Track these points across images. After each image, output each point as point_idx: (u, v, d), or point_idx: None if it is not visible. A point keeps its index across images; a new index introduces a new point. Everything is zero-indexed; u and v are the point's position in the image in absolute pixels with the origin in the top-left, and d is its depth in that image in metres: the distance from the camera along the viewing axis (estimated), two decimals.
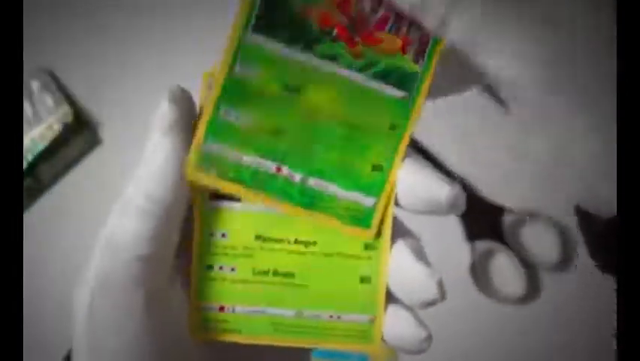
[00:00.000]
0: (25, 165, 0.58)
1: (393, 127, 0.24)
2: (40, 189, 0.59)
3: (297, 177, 0.24)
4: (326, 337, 0.25)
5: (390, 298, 0.25)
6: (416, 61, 0.24)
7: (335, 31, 0.23)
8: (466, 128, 0.58)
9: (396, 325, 0.24)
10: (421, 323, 0.24)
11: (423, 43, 0.24)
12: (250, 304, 0.25)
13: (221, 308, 0.25)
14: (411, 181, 0.24)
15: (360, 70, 0.23)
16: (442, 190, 0.23)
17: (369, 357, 0.53)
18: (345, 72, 0.23)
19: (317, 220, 0.24)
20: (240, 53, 0.23)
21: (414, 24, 0.24)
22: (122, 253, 0.23)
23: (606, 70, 0.25)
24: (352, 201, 0.24)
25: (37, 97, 0.58)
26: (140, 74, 0.60)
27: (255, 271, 0.25)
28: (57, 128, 0.58)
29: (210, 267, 0.25)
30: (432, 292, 0.23)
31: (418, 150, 0.58)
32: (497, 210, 0.57)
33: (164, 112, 0.23)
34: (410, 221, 0.26)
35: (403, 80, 0.24)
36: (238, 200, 0.25)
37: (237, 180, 0.24)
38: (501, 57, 0.24)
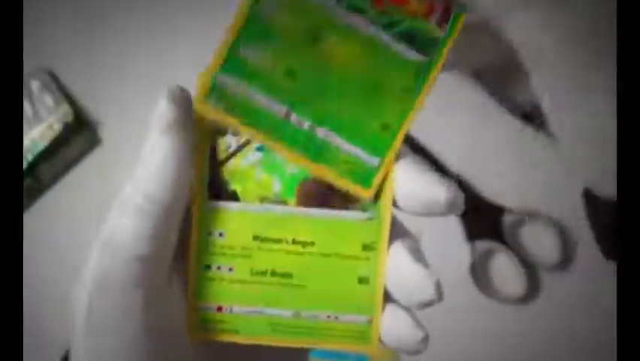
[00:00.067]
0: (25, 165, 0.58)
1: (408, 90, 0.24)
2: (40, 189, 0.59)
3: (306, 124, 0.24)
4: (324, 337, 0.25)
5: (387, 298, 0.25)
6: (439, 26, 0.24)
7: None
8: (466, 128, 0.58)
9: (394, 325, 0.24)
10: (418, 323, 0.24)
11: (447, 11, 0.24)
12: (248, 305, 0.25)
13: (219, 308, 0.25)
14: (409, 183, 0.24)
15: (384, 27, 0.23)
16: (440, 192, 0.23)
17: (368, 357, 0.53)
18: (368, 27, 0.23)
19: (319, 173, 0.24)
20: None
21: None
22: (120, 253, 0.23)
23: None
24: (356, 158, 0.24)
25: (37, 97, 0.58)
26: (140, 75, 0.60)
27: (252, 271, 0.25)
28: (57, 128, 0.58)
29: (208, 267, 0.25)
30: (429, 293, 0.23)
31: (418, 148, 0.58)
32: (497, 210, 0.57)
33: (163, 111, 0.23)
34: (410, 221, 0.26)
35: (424, 44, 0.24)
36: (237, 200, 0.25)
37: (245, 117, 0.23)
38: (526, 31, 0.24)
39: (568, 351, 0.55)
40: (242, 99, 0.23)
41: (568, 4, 0.24)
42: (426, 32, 0.24)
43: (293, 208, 0.25)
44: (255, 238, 0.25)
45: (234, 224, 0.25)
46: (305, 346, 0.25)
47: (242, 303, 0.25)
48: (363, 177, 0.24)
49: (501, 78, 0.59)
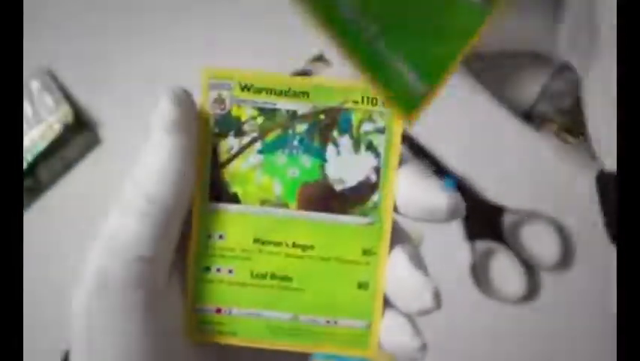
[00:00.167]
0: (25, 165, 0.58)
1: (467, 29, 0.24)
2: (40, 189, 0.59)
3: (372, 30, 0.23)
4: (322, 342, 0.25)
5: (387, 304, 0.25)
6: None
7: None
8: (466, 128, 0.58)
9: (392, 332, 0.24)
10: (416, 331, 0.24)
11: None
12: (247, 307, 0.25)
13: (218, 310, 0.25)
14: (411, 190, 0.24)
15: None
16: (442, 199, 0.23)
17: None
18: None
19: (371, 87, 0.23)
20: None
21: None
22: (122, 254, 0.23)
23: None
24: (409, 83, 0.24)
25: (37, 97, 0.58)
26: (141, 74, 0.60)
27: (252, 273, 0.25)
28: (57, 128, 0.58)
29: (208, 269, 0.25)
30: (427, 301, 0.23)
31: (418, 149, 0.58)
32: (497, 210, 0.57)
33: (165, 112, 0.23)
34: (411, 223, 0.26)
35: None
36: (237, 202, 0.25)
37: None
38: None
39: (567, 351, 0.55)
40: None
41: None
42: None
43: (294, 212, 0.25)
44: (255, 240, 0.25)
45: (235, 226, 0.25)
46: (303, 350, 0.25)
47: (241, 305, 0.25)
48: (409, 103, 0.23)
49: (501, 78, 0.59)
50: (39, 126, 0.58)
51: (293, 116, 0.24)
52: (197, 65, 0.25)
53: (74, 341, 0.23)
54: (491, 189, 0.58)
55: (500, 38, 0.28)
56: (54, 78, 0.59)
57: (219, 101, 0.25)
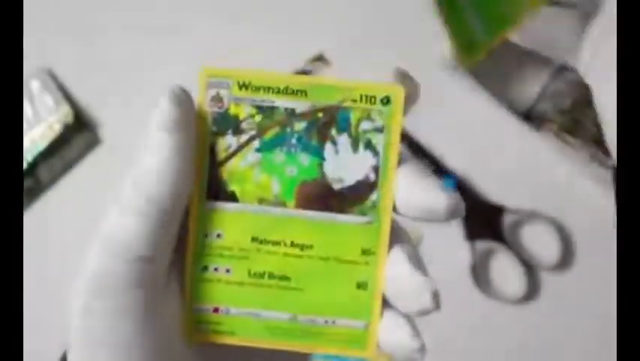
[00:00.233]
0: (25, 165, 0.58)
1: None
2: (40, 189, 0.59)
3: None
4: (321, 342, 0.25)
5: (386, 304, 0.25)
6: None
7: None
8: (466, 128, 0.58)
9: (391, 332, 0.24)
10: (415, 332, 0.24)
11: None
12: (245, 307, 0.25)
13: (216, 310, 0.25)
14: (410, 189, 0.24)
15: None
16: (441, 199, 0.23)
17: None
18: None
19: (442, 28, 0.27)
20: None
21: None
22: (121, 254, 0.23)
23: None
24: (474, 31, 0.28)
25: (37, 97, 0.58)
26: (141, 74, 0.60)
27: (250, 273, 0.25)
28: (57, 128, 0.58)
29: (205, 268, 0.25)
30: (426, 302, 0.23)
31: (418, 149, 0.58)
32: (497, 210, 0.57)
33: (164, 111, 0.23)
34: (410, 223, 0.26)
35: None
36: (235, 201, 0.25)
37: None
38: None
39: (567, 351, 0.55)
40: None
41: None
42: None
43: (292, 210, 0.24)
44: (254, 239, 0.25)
45: (232, 225, 0.25)
46: (301, 350, 0.25)
47: (239, 305, 0.25)
48: (469, 47, 0.29)
49: (501, 78, 0.59)
50: (39, 126, 0.58)
51: (291, 114, 0.24)
52: (196, 64, 0.25)
53: (73, 341, 0.23)
54: (491, 189, 0.58)
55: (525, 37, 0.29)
56: (54, 78, 0.59)
57: (217, 99, 0.24)
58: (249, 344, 0.25)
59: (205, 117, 0.24)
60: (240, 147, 0.25)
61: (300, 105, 0.24)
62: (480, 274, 0.56)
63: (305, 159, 0.25)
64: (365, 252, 0.25)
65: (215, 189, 0.24)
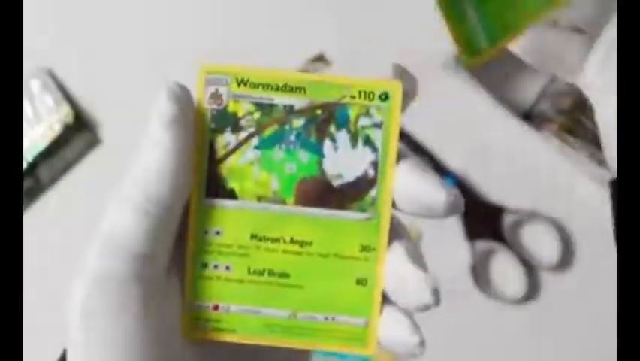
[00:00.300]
0: (25, 165, 0.58)
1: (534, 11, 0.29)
2: (40, 189, 0.59)
3: None
4: (321, 339, 0.25)
5: (386, 300, 0.25)
6: None
7: None
8: (466, 128, 0.58)
9: (391, 328, 0.24)
10: (415, 328, 0.24)
11: None
12: (244, 304, 0.25)
13: (216, 307, 0.25)
14: (409, 185, 0.24)
15: None
16: (440, 194, 0.23)
17: (369, 359, 0.53)
18: None
19: (448, 32, 0.27)
20: None
21: None
22: (121, 251, 0.23)
23: None
24: (477, 36, 0.28)
25: (37, 97, 0.58)
26: (140, 74, 0.60)
27: (250, 270, 0.25)
28: (57, 128, 0.58)
29: (205, 265, 0.25)
30: (426, 297, 0.23)
31: (418, 148, 0.58)
32: (497, 210, 0.57)
33: (162, 109, 0.23)
34: (410, 222, 0.26)
35: None
36: (234, 198, 0.24)
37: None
38: None
39: (567, 351, 0.55)
40: None
41: None
42: None
43: (291, 207, 0.24)
44: (253, 236, 0.25)
45: (232, 222, 0.24)
46: (301, 347, 0.25)
47: (238, 302, 0.25)
48: (472, 50, 0.29)
49: (501, 78, 0.59)
50: (39, 126, 0.58)
51: (290, 111, 0.24)
52: (196, 64, 0.25)
53: (72, 339, 0.23)
54: (491, 189, 0.58)
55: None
56: (54, 78, 0.59)
57: (216, 96, 0.24)
58: (249, 341, 0.25)
59: (204, 114, 0.24)
60: (239, 144, 0.24)
61: (299, 102, 0.24)
62: (480, 274, 0.57)
63: (304, 156, 0.25)
64: (364, 248, 0.25)
65: (215, 187, 0.24)
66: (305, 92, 0.24)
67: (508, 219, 0.57)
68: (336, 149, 0.24)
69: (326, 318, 0.25)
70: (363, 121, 0.24)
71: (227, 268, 0.25)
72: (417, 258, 0.24)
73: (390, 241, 0.24)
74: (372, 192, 0.24)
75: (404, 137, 0.58)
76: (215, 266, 0.25)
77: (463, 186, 0.57)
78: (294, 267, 0.25)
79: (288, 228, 0.24)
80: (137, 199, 0.23)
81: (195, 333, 0.25)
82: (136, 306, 0.23)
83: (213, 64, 0.24)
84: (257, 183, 0.24)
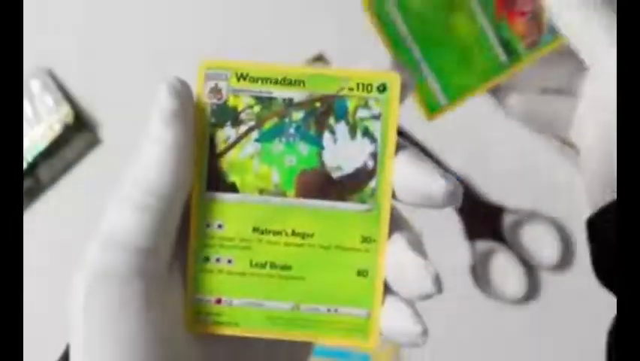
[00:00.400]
0: (25, 165, 0.58)
1: (487, 70, 0.35)
2: (40, 189, 0.59)
3: (415, 47, 0.33)
4: (323, 331, 0.25)
5: (388, 290, 0.25)
6: (529, 48, 0.34)
7: None
8: (466, 128, 0.58)
9: (393, 318, 0.24)
10: (417, 317, 0.24)
11: (537, 41, 0.34)
12: (247, 297, 0.25)
13: (218, 301, 0.25)
14: (408, 175, 0.24)
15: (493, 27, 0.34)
16: (439, 184, 0.23)
17: (370, 357, 0.53)
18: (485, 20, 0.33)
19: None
20: None
21: None
22: (122, 247, 0.23)
23: None
24: (434, 92, 0.33)
25: (37, 97, 0.58)
26: (140, 74, 0.60)
27: (252, 263, 0.25)
28: (57, 128, 0.58)
29: (207, 259, 0.25)
30: (427, 285, 0.23)
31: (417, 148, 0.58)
32: (497, 210, 0.57)
33: (163, 104, 0.23)
34: (410, 222, 0.26)
35: (511, 52, 0.34)
36: (236, 192, 0.25)
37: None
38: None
39: (567, 351, 0.55)
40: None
41: None
42: (515, 44, 0.34)
43: (292, 200, 0.25)
44: (255, 229, 0.25)
45: (233, 215, 0.25)
46: (304, 339, 0.25)
47: (241, 295, 0.25)
48: (430, 104, 0.35)
49: None
50: (39, 126, 0.58)
51: (289, 104, 0.25)
52: (196, 63, 0.25)
53: (75, 335, 0.23)
54: (491, 189, 0.58)
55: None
56: (54, 78, 0.59)
57: (216, 91, 0.25)
58: (252, 334, 0.25)
59: (204, 109, 0.24)
60: (239, 138, 0.25)
61: (298, 95, 0.25)
62: (480, 274, 0.57)
63: (304, 149, 0.25)
64: (365, 239, 0.25)
65: (216, 181, 0.25)
66: (304, 85, 0.24)
67: (508, 219, 0.57)
68: (335, 141, 0.25)
69: (329, 310, 0.25)
70: (362, 113, 0.25)
71: (230, 261, 0.25)
72: (417, 247, 0.24)
73: (391, 232, 0.25)
74: (372, 184, 0.25)
75: (404, 137, 0.58)
76: (218, 260, 0.25)
77: (463, 186, 0.57)
78: (296, 259, 0.25)
79: (289, 220, 0.25)
80: (137, 195, 0.23)
81: (198, 327, 0.25)
82: (138, 301, 0.23)
83: (213, 59, 0.25)
84: (257, 177, 0.25)
